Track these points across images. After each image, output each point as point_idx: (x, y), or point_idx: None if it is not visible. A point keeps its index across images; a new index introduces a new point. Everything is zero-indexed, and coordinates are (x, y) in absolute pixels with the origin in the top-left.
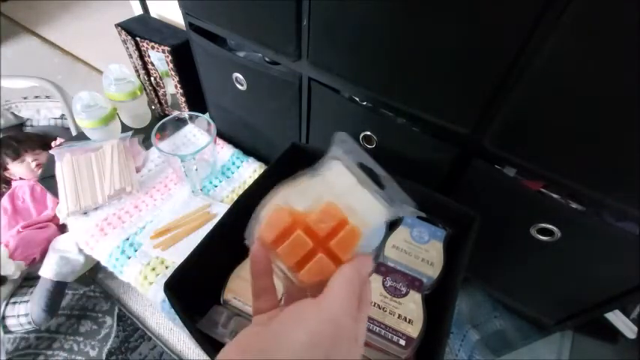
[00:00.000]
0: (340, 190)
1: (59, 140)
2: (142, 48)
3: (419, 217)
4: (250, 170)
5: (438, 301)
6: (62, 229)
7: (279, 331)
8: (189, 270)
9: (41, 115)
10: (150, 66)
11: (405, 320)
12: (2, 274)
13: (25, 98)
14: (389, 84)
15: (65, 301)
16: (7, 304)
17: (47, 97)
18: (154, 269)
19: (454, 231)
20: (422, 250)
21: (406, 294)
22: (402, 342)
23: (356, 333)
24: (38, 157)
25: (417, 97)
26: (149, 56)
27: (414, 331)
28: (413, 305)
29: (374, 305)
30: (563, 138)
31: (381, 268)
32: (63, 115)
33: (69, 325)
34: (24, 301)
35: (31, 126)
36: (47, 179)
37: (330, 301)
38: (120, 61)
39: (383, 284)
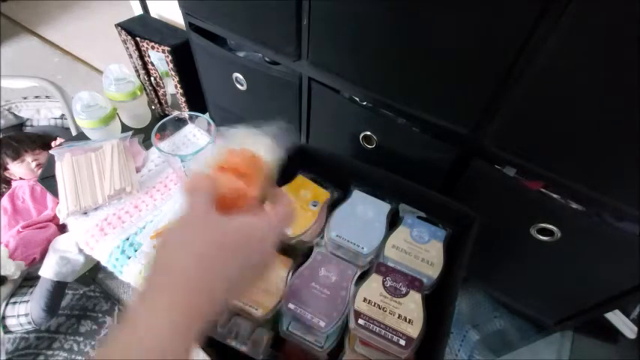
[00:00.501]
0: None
1: (59, 140)
2: (142, 48)
3: (419, 217)
4: None
5: (438, 301)
6: (62, 229)
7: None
8: None
9: (41, 115)
10: (150, 66)
11: (405, 320)
12: (2, 274)
13: (25, 98)
14: (389, 84)
15: (65, 301)
16: (7, 304)
17: (47, 97)
18: None
19: (454, 231)
20: (422, 250)
21: (406, 294)
22: (402, 342)
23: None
24: (38, 157)
25: (417, 97)
26: (149, 56)
27: (414, 331)
28: (413, 305)
29: (374, 305)
30: (563, 138)
31: (381, 268)
32: (63, 115)
33: (69, 325)
34: (24, 301)
35: (31, 126)
36: (47, 179)
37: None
38: (120, 61)
39: (383, 284)
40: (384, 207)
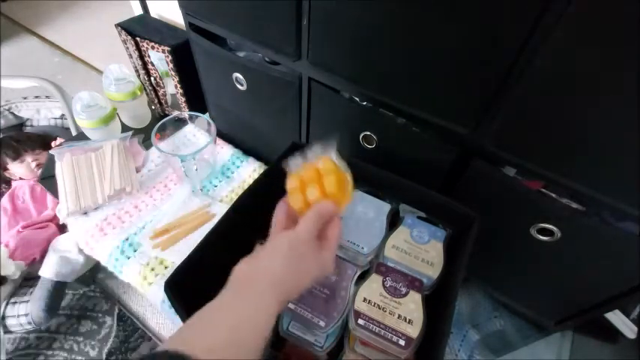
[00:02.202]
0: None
1: (59, 140)
2: (142, 48)
3: (419, 217)
4: (250, 170)
5: (438, 301)
6: (62, 229)
7: (265, 256)
8: (190, 270)
9: (41, 115)
10: (150, 66)
11: (405, 320)
12: (2, 274)
13: (25, 98)
14: (389, 84)
15: (65, 301)
16: (7, 304)
17: (47, 97)
18: (153, 269)
19: (454, 231)
20: (422, 250)
21: (406, 294)
22: (402, 342)
23: (319, 252)
24: (38, 157)
25: (417, 97)
26: (149, 56)
27: (414, 331)
28: (413, 305)
29: (374, 305)
30: (563, 138)
31: (381, 268)
32: (63, 115)
33: (69, 325)
34: (24, 301)
35: (31, 126)
36: (47, 179)
37: (297, 231)
38: (120, 61)
39: (383, 284)
40: (384, 207)
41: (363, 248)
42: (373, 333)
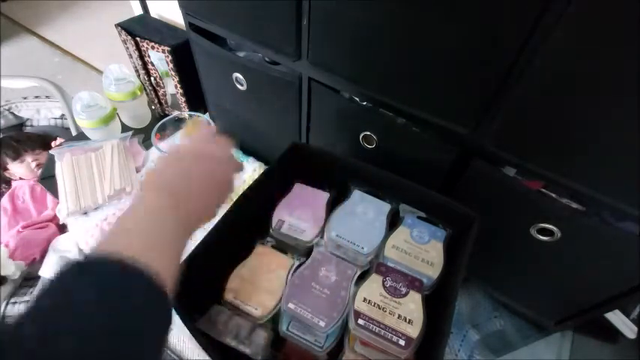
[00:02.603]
0: None
1: (59, 140)
2: (142, 48)
3: (419, 217)
4: (250, 170)
5: (438, 301)
6: (62, 229)
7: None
8: (189, 269)
9: (41, 115)
10: (150, 66)
11: (405, 320)
12: (2, 274)
13: (25, 98)
14: (389, 84)
15: None
16: (7, 304)
17: (47, 97)
18: None
19: (454, 231)
20: (422, 250)
21: (406, 294)
22: (402, 342)
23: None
24: (38, 157)
25: (417, 96)
26: (149, 56)
27: (414, 331)
28: (413, 305)
29: (374, 305)
30: (563, 138)
31: (381, 268)
32: (63, 115)
33: None
34: (24, 301)
35: (31, 126)
36: (47, 179)
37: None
38: (120, 61)
39: (383, 284)
40: (384, 207)
41: (363, 248)
42: (373, 333)
